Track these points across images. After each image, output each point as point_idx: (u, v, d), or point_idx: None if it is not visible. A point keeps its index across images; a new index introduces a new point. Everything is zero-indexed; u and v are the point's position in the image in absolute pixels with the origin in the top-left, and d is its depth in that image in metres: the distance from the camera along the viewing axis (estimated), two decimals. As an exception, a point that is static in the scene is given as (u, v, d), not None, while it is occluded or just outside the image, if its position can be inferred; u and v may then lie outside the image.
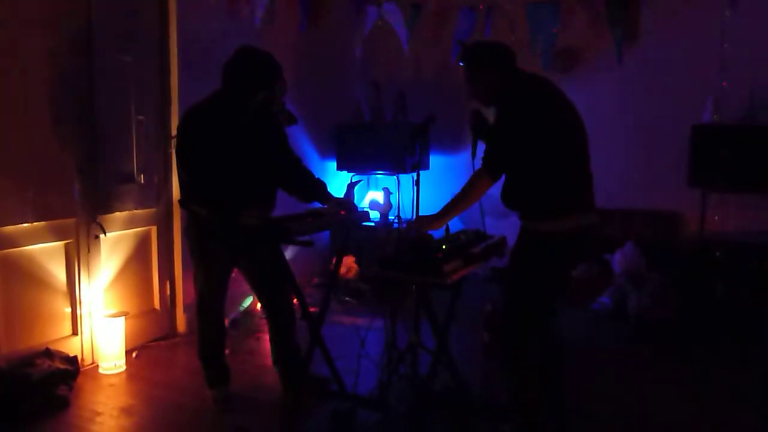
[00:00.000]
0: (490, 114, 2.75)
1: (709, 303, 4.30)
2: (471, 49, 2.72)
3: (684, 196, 4.78)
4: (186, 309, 4.24)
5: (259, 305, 4.48)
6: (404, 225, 2.92)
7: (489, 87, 2.66)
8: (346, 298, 5.08)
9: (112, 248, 3.83)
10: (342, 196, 3.52)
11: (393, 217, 5.28)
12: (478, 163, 2.66)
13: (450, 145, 5.93)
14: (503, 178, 2.64)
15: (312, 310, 3.40)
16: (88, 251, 3.66)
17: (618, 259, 4.96)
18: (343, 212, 3.20)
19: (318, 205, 3.25)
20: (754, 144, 4.47)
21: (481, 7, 4.82)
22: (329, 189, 3.29)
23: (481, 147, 2.72)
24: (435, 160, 5.85)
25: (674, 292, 4.51)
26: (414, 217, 2.79)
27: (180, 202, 3.09)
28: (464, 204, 2.65)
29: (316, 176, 3.28)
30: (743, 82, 4.66)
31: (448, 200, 2.70)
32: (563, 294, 2.77)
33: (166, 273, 4.22)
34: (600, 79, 5.06)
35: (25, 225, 3.33)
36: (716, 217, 4.71)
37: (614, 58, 4.65)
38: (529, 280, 2.65)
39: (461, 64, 2.73)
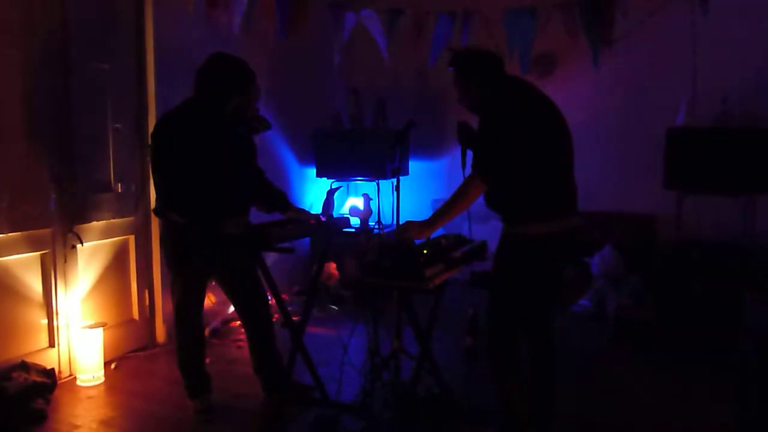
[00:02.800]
0: (474, 121, 2.77)
1: (686, 303, 4.36)
2: (460, 56, 2.75)
3: (660, 199, 4.83)
4: (165, 319, 4.20)
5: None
6: (391, 231, 2.91)
7: (477, 93, 2.69)
8: (329, 306, 5.06)
9: (90, 258, 3.78)
10: (321, 202, 3.52)
11: (374, 223, 5.29)
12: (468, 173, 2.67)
13: (430, 151, 5.95)
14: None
15: (294, 317, 3.38)
16: (65, 262, 3.60)
17: (597, 262, 5.01)
18: (313, 221, 3.20)
19: (278, 215, 3.25)
20: (727, 146, 4.54)
21: (459, 12, 4.85)
22: (289, 199, 3.32)
23: (470, 156, 2.73)
24: (415, 165, 5.86)
25: (652, 293, 4.56)
26: (402, 222, 2.76)
27: (155, 210, 3.05)
28: (457, 210, 2.66)
29: (276, 187, 3.30)
30: (716, 85, 4.74)
31: (439, 206, 2.70)
32: (554, 298, 2.77)
33: (145, 282, 4.17)
34: (577, 83, 5.12)
35: (0, 236, 3.27)
36: (692, 219, 4.78)
37: (590, 63, 4.71)
38: (512, 284, 2.67)
39: (450, 69, 2.75)
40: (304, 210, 3.33)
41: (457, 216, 2.71)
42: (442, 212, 2.67)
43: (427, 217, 2.69)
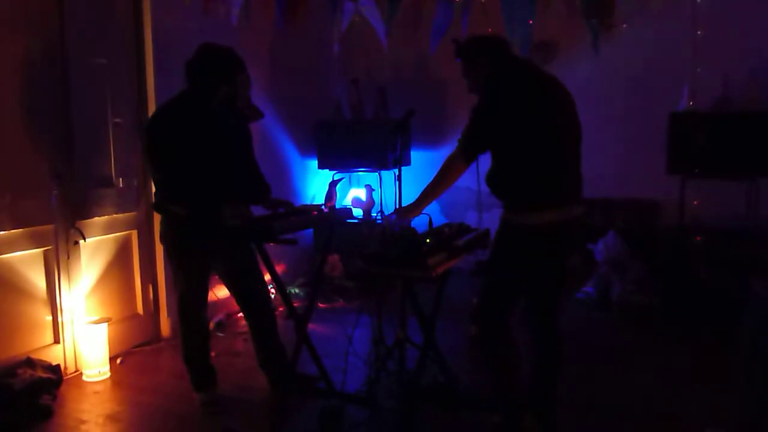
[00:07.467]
0: None
1: (690, 288, 4.35)
2: (463, 45, 2.75)
3: (663, 184, 4.83)
4: (170, 313, 4.20)
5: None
6: (384, 220, 2.90)
7: (483, 78, 2.67)
8: (333, 296, 5.07)
9: (93, 254, 3.78)
10: (324, 194, 3.52)
11: (376, 214, 5.28)
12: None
13: (431, 140, 5.93)
14: (488, 165, 2.63)
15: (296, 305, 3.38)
16: (68, 257, 3.61)
17: (600, 248, 5.00)
18: (315, 212, 3.19)
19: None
20: (729, 130, 4.53)
21: (457, 0, 4.81)
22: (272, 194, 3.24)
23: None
24: (416, 155, 5.84)
25: (656, 278, 4.56)
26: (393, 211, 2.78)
27: (154, 205, 3.04)
28: (440, 188, 2.67)
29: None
30: (718, 69, 4.71)
31: (424, 187, 2.70)
32: (557, 287, 2.75)
33: (149, 277, 4.17)
34: (577, 70, 5.08)
35: (2, 233, 3.27)
36: (695, 203, 4.77)
37: (591, 49, 4.67)
38: (506, 272, 2.66)
39: (458, 60, 2.75)
40: (284, 200, 3.29)
41: (442, 194, 2.70)
42: (426, 193, 2.69)
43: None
